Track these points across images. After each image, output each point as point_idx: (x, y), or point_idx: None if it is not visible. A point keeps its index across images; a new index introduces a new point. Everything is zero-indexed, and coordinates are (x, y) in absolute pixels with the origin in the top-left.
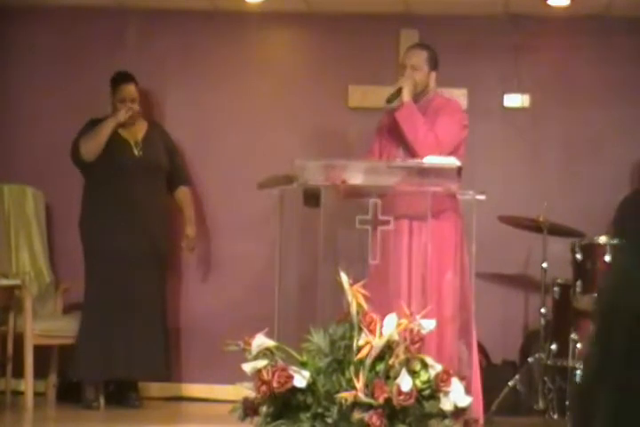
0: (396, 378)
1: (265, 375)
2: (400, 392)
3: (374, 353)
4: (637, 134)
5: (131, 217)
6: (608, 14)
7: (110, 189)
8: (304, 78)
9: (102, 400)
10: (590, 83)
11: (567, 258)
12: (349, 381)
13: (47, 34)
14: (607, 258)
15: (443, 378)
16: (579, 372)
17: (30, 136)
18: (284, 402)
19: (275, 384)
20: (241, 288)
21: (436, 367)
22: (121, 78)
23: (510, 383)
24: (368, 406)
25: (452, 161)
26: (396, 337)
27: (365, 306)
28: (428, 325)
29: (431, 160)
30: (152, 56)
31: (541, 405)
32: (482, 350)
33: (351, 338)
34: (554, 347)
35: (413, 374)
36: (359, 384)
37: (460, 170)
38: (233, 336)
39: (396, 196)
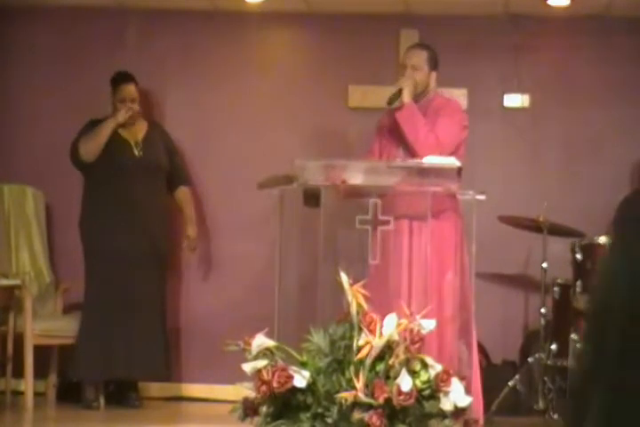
0: (396, 378)
1: (265, 375)
2: (400, 392)
3: (374, 353)
4: (637, 134)
5: (131, 217)
6: (608, 14)
7: (110, 189)
8: (304, 78)
9: (102, 400)
10: (590, 83)
11: (567, 258)
12: (349, 381)
13: (47, 34)
14: None
15: (443, 378)
16: None
17: (30, 136)
18: (284, 402)
19: (275, 384)
20: (241, 288)
21: (436, 367)
22: (121, 78)
23: (510, 383)
24: (368, 406)
25: (452, 161)
26: (396, 337)
27: (365, 306)
28: (428, 325)
29: (431, 160)
30: (152, 56)
31: (541, 405)
32: (482, 350)
33: (351, 338)
34: (554, 347)
35: (413, 374)
36: (359, 384)
37: (459, 170)
38: (233, 336)
39: (395, 196)
